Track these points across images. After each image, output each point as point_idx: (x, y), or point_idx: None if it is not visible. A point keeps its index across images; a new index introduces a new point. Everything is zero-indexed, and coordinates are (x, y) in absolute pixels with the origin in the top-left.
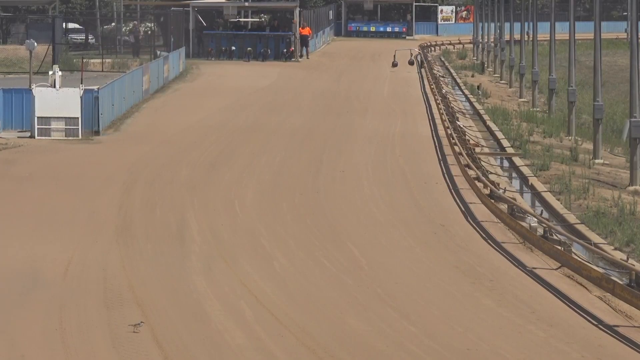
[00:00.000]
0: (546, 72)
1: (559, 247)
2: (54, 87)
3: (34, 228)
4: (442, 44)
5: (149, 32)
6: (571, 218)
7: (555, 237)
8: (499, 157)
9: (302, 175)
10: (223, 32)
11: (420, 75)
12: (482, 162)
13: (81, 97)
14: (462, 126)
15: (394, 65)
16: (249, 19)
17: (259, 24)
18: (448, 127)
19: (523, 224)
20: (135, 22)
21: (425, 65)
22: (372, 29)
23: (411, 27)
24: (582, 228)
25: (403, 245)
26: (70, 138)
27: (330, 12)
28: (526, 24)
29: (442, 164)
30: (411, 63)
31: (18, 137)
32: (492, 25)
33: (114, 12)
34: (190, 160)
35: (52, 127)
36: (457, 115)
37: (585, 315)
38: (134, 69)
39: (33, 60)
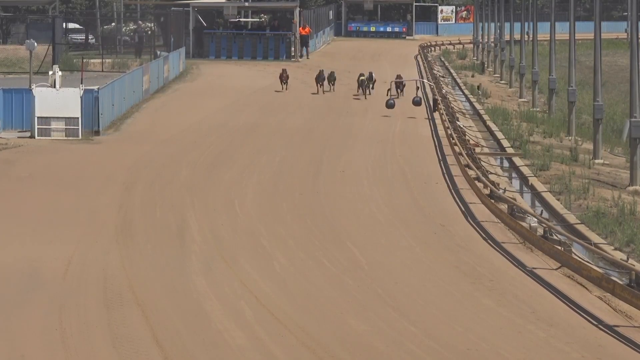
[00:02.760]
0: (546, 72)
1: (559, 247)
2: (54, 87)
3: (34, 228)
4: (442, 44)
5: (149, 32)
6: (571, 218)
7: (555, 237)
8: (499, 157)
9: (302, 175)
10: (223, 32)
11: (432, 125)
12: (482, 162)
13: (81, 97)
14: (462, 126)
15: (390, 105)
16: (249, 19)
17: (259, 24)
18: (448, 127)
19: (523, 224)
20: (140, 22)
21: (441, 107)
22: (372, 29)
23: (411, 27)
24: (582, 228)
25: (403, 245)
26: (70, 138)
27: (330, 12)
28: (526, 24)
29: (442, 164)
30: (417, 103)
31: (18, 137)
32: (492, 25)
33: (114, 12)
34: (191, 160)
35: (52, 127)
36: (457, 115)
37: (585, 315)
38: (134, 69)
39: (33, 60)
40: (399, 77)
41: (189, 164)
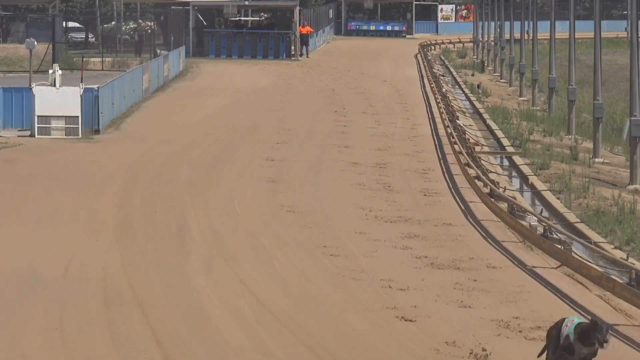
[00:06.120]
0: (546, 70)
1: (559, 246)
2: (54, 86)
3: (34, 227)
4: (442, 43)
5: (149, 30)
6: (571, 217)
7: (555, 236)
8: (499, 156)
9: (302, 174)
10: (223, 31)
11: None
12: (482, 161)
13: (81, 96)
14: (462, 125)
15: None
16: (249, 18)
17: (259, 22)
18: (448, 126)
19: (523, 222)
20: (140, 20)
21: None
22: (372, 27)
23: (411, 26)
24: (582, 227)
25: (403, 245)
26: (70, 137)
27: (331, 11)
28: (526, 22)
29: (442, 163)
30: None
31: (18, 135)
32: (492, 24)
33: (114, 11)
34: (191, 160)
35: (52, 126)
36: (457, 114)
37: (585, 315)
38: (134, 68)
39: (33, 59)
40: None
41: (189, 163)
